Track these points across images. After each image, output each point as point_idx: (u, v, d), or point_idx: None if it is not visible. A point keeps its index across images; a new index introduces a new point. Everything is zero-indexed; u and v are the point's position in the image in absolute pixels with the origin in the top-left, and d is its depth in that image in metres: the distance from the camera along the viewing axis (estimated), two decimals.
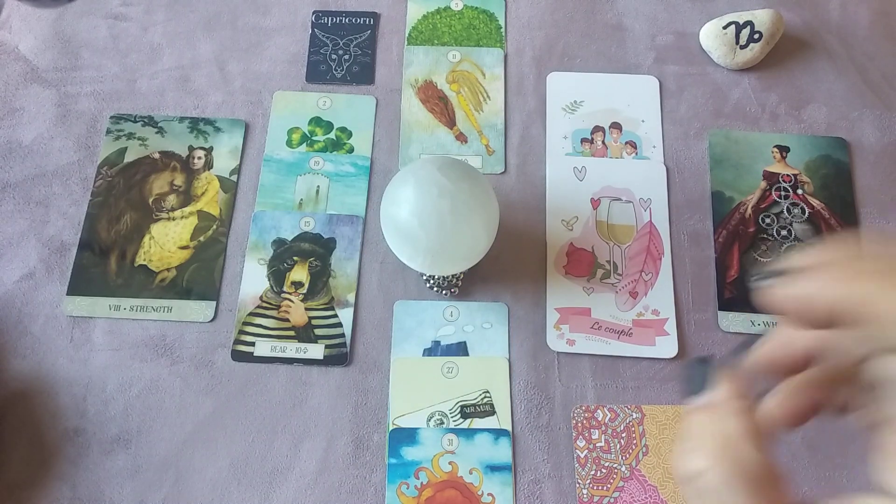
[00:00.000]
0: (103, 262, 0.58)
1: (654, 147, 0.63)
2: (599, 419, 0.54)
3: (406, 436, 0.53)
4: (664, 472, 0.52)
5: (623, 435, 0.53)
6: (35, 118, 0.63)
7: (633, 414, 0.54)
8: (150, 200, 0.61)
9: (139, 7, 0.68)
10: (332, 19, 0.68)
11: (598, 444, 0.53)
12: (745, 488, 0.23)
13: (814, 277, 0.23)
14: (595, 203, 0.61)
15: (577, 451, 0.53)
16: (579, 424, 0.54)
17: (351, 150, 0.63)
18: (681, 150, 0.63)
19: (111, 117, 0.63)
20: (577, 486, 0.52)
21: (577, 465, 0.52)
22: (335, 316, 0.57)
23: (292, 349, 0.56)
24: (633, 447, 0.53)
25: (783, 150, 0.63)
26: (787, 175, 0.62)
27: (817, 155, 0.63)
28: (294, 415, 0.54)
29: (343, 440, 0.53)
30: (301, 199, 0.61)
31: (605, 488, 0.52)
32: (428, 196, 0.50)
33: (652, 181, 0.61)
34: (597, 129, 0.63)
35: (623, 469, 0.52)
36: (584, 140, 0.63)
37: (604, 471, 0.52)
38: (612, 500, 0.51)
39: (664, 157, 0.62)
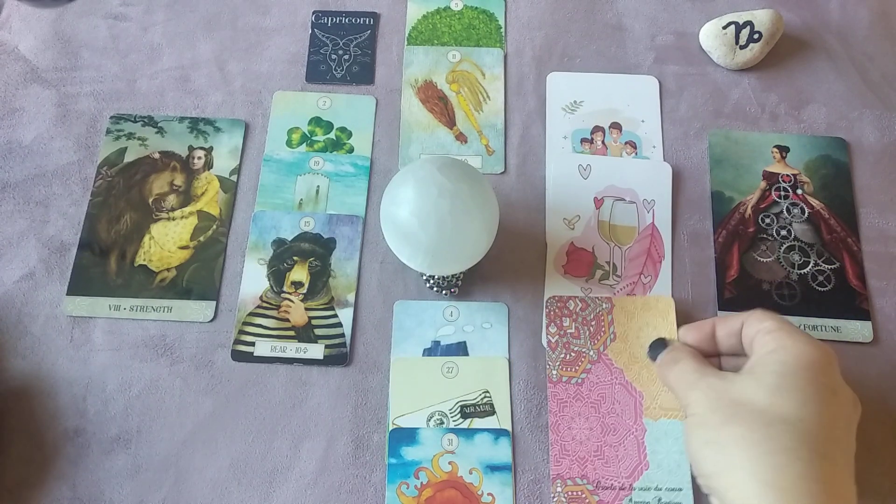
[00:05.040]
0: (103, 262, 0.58)
1: (653, 147, 0.63)
2: (571, 308, 0.56)
3: (406, 436, 0.53)
4: (630, 356, 0.54)
5: (593, 323, 0.55)
6: (35, 118, 0.63)
7: (604, 304, 0.56)
8: (150, 200, 0.61)
9: (139, 7, 0.68)
10: (332, 19, 0.68)
11: (568, 331, 0.55)
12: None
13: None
14: (598, 202, 0.61)
15: (548, 336, 0.55)
16: (552, 313, 0.56)
17: (351, 150, 0.63)
18: (680, 151, 0.63)
19: (111, 117, 0.63)
20: (547, 367, 0.54)
21: (547, 349, 0.55)
22: (335, 316, 0.57)
23: (292, 349, 0.56)
24: (602, 334, 0.55)
25: (783, 150, 0.63)
26: (787, 175, 0.62)
27: (817, 155, 0.63)
28: (294, 415, 0.54)
29: (343, 440, 0.53)
30: (301, 199, 0.61)
31: (573, 370, 0.54)
32: (428, 196, 0.50)
33: (657, 182, 0.61)
34: (597, 129, 0.63)
35: (591, 353, 0.54)
36: (583, 140, 0.63)
37: (573, 354, 0.54)
38: (579, 381, 0.54)
39: (664, 157, 0.62)
